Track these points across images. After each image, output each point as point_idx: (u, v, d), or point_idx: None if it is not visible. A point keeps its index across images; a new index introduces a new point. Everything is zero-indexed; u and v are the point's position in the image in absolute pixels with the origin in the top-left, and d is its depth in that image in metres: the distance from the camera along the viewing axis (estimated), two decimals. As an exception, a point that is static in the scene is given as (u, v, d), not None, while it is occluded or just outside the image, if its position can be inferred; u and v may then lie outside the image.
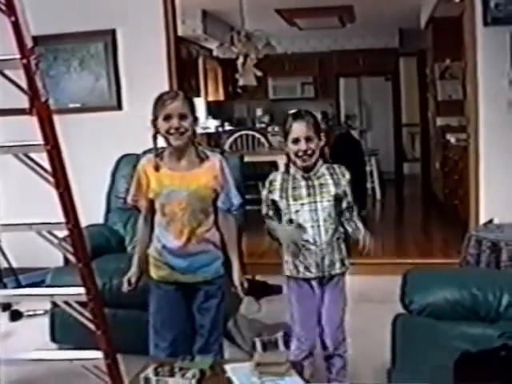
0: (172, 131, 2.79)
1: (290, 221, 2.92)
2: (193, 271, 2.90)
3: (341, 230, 2.99)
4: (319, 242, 2.91)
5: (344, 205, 2.97)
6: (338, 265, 2.95)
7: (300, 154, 2.88)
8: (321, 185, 2.93)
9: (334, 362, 3.05)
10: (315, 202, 2.91)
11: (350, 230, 2.98)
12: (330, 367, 3.07)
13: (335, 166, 3.02)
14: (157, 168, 2.87)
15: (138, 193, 2.95)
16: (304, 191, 2.91)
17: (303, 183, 2.93)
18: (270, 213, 3.00)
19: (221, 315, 3.03)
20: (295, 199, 2.91)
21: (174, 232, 2.87)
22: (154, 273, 2.97)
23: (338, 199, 2.94)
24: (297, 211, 2.91)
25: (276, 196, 2.95)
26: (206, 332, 2.97)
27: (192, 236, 2.86)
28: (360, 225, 2.98)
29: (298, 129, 2.88)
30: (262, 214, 3.04)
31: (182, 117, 2.80)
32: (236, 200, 2.96)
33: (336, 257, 2.95)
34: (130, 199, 3.00)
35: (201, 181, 2.86)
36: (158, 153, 2.90)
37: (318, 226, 2.90)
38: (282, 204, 2.94)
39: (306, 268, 2.94)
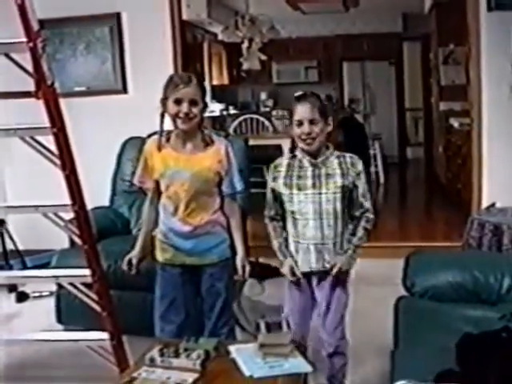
0: (181, 115, 2.78)
1: (292, 212, 2.79)
2: (199, 253, 2.91)
3: (350, 227, 2.82)
4: (321, 237, 2.77)
5: (357, 207, 2.80)
6: (339, 263, 2.76)
7: (303, 137, 2.74)
8: (327, 175, 2.76)
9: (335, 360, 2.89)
10: (320, 193, 2.74)
11: (344, 238, 2.80)
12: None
13: (347, 155, 2.84)
14: (160, 148, 2.88)
15: (145, 173, 2.95)
16: (309, 181, 2.76)
17: (309, 172, 2.77)
18: (272, 213, 2.89)
19: (229, 298, 3.03)
20: (299, 189, 2.76)
21: (178, 214, 2.88)
22: (160, 256, 2.98)
23: (345, 192, 2.76)
24: (299, 202, 2.76)
25: (280, 183, 2.81)
26: (214, 316, 2.97)
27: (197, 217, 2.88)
28: (356, 240, 2.78)
29: (302, 110, 2.74)
30: (264, 216, 2.93)
31: (193, 103, 2.78)
32: (239, 185, 2.96)
33: (339, 256, 2.78)
34: (136, 180, 3.00)
35: (204, 164, 2.86)
36: (165, 134, 2.90)
37: (321, 220, 2.75)
38: (286, 196, 2.80)
39: (306, 262, 2.80)
